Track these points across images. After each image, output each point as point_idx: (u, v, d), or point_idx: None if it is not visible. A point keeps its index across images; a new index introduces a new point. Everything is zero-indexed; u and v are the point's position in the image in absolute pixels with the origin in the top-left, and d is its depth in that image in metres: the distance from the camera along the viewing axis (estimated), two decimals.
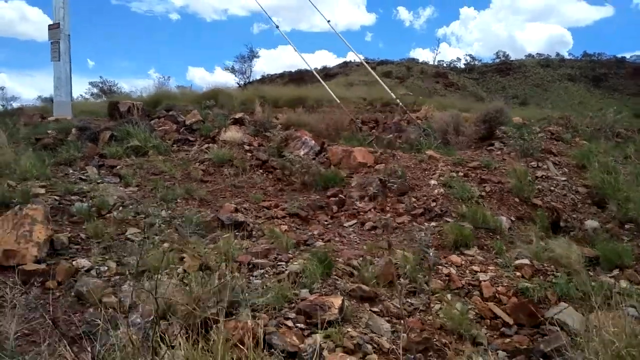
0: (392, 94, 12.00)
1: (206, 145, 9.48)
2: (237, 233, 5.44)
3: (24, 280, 4.08)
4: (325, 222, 6.25)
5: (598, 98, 71.59)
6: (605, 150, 7.96)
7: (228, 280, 3.58)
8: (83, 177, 7.87)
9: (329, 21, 12.57)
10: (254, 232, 5.79)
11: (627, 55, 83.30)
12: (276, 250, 4.66)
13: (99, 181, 7.59)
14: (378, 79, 12.74)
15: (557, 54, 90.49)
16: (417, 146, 9.11)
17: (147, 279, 4.14)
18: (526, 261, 4.49)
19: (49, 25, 14.44)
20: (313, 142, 9.07)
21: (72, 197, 6.56)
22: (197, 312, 3.12)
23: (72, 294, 3.86)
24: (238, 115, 10.67)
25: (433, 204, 6.18)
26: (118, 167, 8.45)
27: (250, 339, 2.61)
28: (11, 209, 4.68)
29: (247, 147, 9.42)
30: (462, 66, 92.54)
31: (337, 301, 3.44)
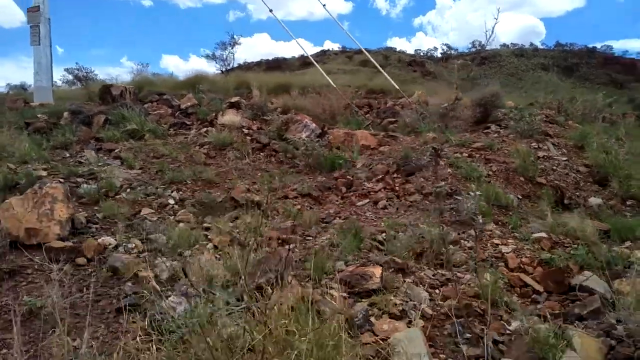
0: (391, 81, 12.08)
1: (205, 129, 9.39)
2: (252, 212, 5.46)
3: (50, 258, 4.03)
4: (337, 202, 6.31)
5: (570, 87, 73.46)
6: (599, 132, 8.24)
7: (267, 253, 3.61)
8: (81, 160, 7.72)
9: (324, 5, 12.51)
10: (268, 212, 5.81)
11: (598, 46, 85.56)
12: (300, 227, 4.70)
13: (99, 164, 7.45)
14: (379, 68, 12.87)
15: (531, 44, 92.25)
16: (416, 129, 9.22)
17: (178, 255, 4.15)
18: (543, 234, 4.65)
19: (28, 9, 13.94)
20: (314, 125, 9.09)
21: (78, 179, 6.44)
22: (244, 282, 3.15)
23: (105, 269, 3.82)
24: (234, 99, 10.57)
25: (442, 183, 6.30)
26: (116, 150, 8.31)
27: (304, 304, 2.67)
28: (30, 189, 4.57)
29: (246, 131, 9.37)
30: (439, 55, 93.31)
31: (377, 271, 3.52)
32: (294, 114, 9.57)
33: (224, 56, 20.13)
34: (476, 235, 3.62)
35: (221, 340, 2.17)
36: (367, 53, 15.37)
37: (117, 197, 6.02)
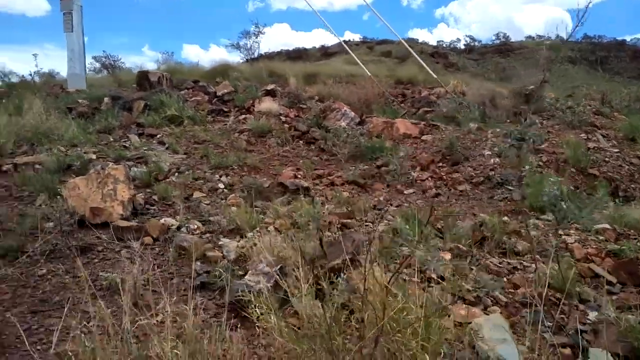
0: (431, 72, 11.94)
1: (243, 116, 9.43)
2: (302, 197, 5.46)
3: (117, 236, 4.10)
4: (384, 190, 6.27)
5: (599, 80, 71.72)
6: None
7: (333, 235, 3.61)
8: (126, 145, 7.83)
9: None
10: (316, 198, 5.81)
11: (628, 38, 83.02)
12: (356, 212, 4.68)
13: (144, 148, 7.54)
14: (417, 57, 12.70)
15: (557, 36, 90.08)
16: (456, 119, 9.09)
17: (240, 236, 4.18)
18: (606, 226, 4.54)
19: None
20: (353, 113, 9.04)
21: (128, 163, 6.53)
22: (320, 263, 3.15)
23: (172, 249, 3.87)
24: (270, 87, 10.58)
25: (491, 173, 6.21)
26: (158, 135, 8.41)
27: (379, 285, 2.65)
28: (93, 170, 4.64)
29: (283, 119, 9.38)
30: (462, 47, 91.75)
31: (446, 256, 3.48)
32: (331, 102, 9.51)
33: (248, 45, 20.06)
34: (558, 223, 3.54)
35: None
36: (405, 44, 15.06)
37: (167, 180, 6.09)
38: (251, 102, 9.97)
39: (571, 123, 7.61)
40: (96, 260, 3.79)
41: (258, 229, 4.25)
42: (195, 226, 4.30)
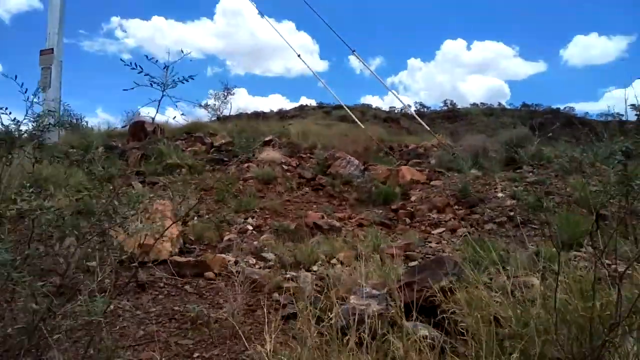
0: (424, 125, 12.46)
1: (246, 164, 9.38)
2: (334, 236, 5.40)
3: (176, 272, 3.88)
4: (409, 230, 6.31)
5: (539, 144, 76.64)
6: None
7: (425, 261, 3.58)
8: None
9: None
10: (346, 237, 5.76)
11: (561, 107, 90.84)
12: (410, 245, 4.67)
13: (151, 195, 7.29)
14: (417, 116, 13.12)
15: (499, 104, 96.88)
16: (452, 169, 9.41)
17: (305, 269, 4.05)
18: None
19: (41, 51, 13.96)
20: (357, 161, 9.20)
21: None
22: (421, 285, 3.11)
23: (241, 282, 3.68)
24: (268, 138, 10.67)
25: (511, 213, 6.41)
26: (159, 184, 8.20)
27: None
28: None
29: (285, 167, 9.41)
30: (413, 112, 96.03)
31: (534, 280, 3.51)
32: (334, 151, 9.68)
33: (216, 106, 20.14)
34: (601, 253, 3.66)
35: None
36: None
37: (189, 223, 5.88)
38: (252, 152, 9.97)
39: (568, 170, 8.06)
40: (161, 296, 3.54)
41: (320, 262, 4.14)
42: (254, 261, 4.14)
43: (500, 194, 7.06)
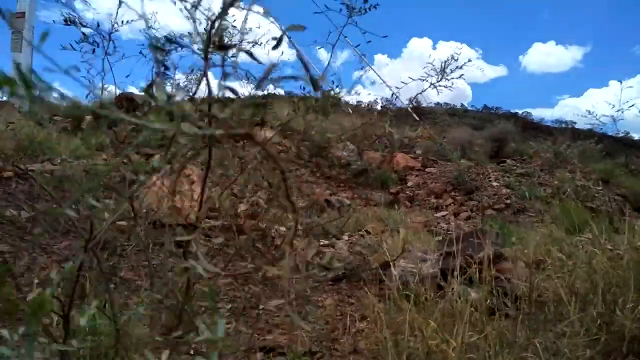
0: (416, 116, 12.65)
1: (241, 143, 9.33)
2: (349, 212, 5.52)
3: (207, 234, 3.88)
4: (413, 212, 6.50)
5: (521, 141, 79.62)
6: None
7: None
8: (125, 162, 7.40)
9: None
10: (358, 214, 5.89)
11: (519, 112, 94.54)
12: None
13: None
14: (414, 116, 13.31)
15: (462, 105, 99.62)
16: (446, 157, 9.70)
17: (335, 238, 4.14)
18: None
19: (12, 14, 13.35)
20: (352, 146, 9.32)
21: None
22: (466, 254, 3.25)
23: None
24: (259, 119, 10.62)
25: (508, 201, 6.71)
26: (157, 155, 8.07)
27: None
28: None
29: (280, 147, 9.41)
30: (379, 108, 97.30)
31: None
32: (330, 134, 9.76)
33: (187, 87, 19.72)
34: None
35: None
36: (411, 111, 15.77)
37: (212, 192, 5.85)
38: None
39: (555, 163, 8.49)
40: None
41: (348, 232, 4.25)
42: (284, 229, 4.19)
43: (494, 183, 7.36)
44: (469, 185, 7.29)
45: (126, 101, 10.01)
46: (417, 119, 12.76)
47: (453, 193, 7.31)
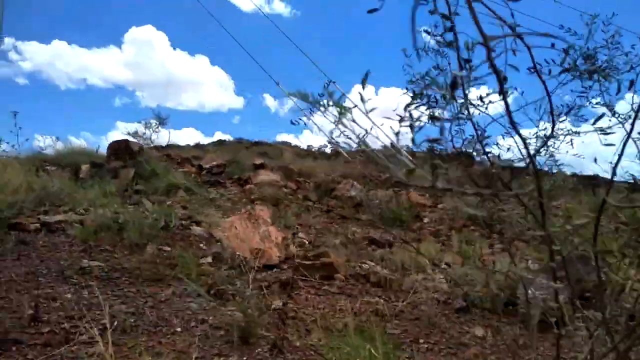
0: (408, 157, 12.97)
1: (248, 186, 9.21)
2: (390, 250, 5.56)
3: (303, 275, 3.80)
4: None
5: None
6: None
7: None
8: (143, 210, 7.13)
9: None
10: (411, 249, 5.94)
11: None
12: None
13: (165, 213, 6.94)
14: (407, 157, 13.62)
15: (407, 147, 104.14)
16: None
17: (420, 271, 4.16)
18: None
19: None
20: (360, 185, 9.43)
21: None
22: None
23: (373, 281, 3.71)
24: (258, 162, 10.56)
25: (529, 231, 6.98)
26: (168, 203, 7.81)
27: None
28: (243, 209, 4.29)
29: (286, 190, 9.37)
30: (329, 151, 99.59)
31: None
32: (335, 175, 9.85)
33: (147, 135, 18.80)
34: None
35: None
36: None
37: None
38: (247, 174, 9.81)
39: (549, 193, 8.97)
40: (310, 295, 3.46)
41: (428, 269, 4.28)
42: (368, 265, 4.17)
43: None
44: (487, 219, 7.53)
45: (125, 148, 9.72)
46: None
47: (472, 227, 7.51)
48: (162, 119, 18.69)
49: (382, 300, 3.16)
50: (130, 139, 11.73)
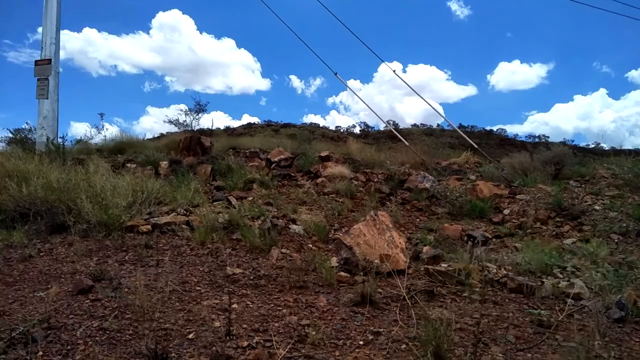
0: (469, 139, 12.83)
1: (320, 179, 9.31)
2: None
3: (441, 281, 3.86)
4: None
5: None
6: None
7: None
8: (229, 207, 7.33)
9: (394, 70, 13.28)
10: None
11: (494, 128, 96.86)
12: None
13: (255, 209, 7.11)
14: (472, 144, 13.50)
15: (438, 125, 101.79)
16: (512, 182, 9.83)
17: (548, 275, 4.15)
18: None
19: (37, 61, 13.29)
20: (432, 177, 9.40)
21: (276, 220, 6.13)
22: None
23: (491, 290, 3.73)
24: (324, 154, 10.64)
25: (624, 225, 6.83)
26: (249, 198, 8.01)
27: None
28: (368, 215, 4.37)
29: (356, 182, 9.43)
30: (358, 132, 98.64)
31: None
32: (407, 167, 9.85)
33: (187, 122, 18.97)
34: None
35: None
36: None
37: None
38: (316, 167, 9.92)
39: (632, 182, 8.71)
40: (451, 303, 3.52)
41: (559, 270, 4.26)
42: (495, 270, 4.19)
43: (597, 207, 7.50)
44: (574, 210, 7.41)
45: (198, 144, 9.94)
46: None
47: (557, 219, 7.40)
48: (202, 105, 18.81)
49: (542, 311, 3.19)
50: (196, 135, 11.93)
